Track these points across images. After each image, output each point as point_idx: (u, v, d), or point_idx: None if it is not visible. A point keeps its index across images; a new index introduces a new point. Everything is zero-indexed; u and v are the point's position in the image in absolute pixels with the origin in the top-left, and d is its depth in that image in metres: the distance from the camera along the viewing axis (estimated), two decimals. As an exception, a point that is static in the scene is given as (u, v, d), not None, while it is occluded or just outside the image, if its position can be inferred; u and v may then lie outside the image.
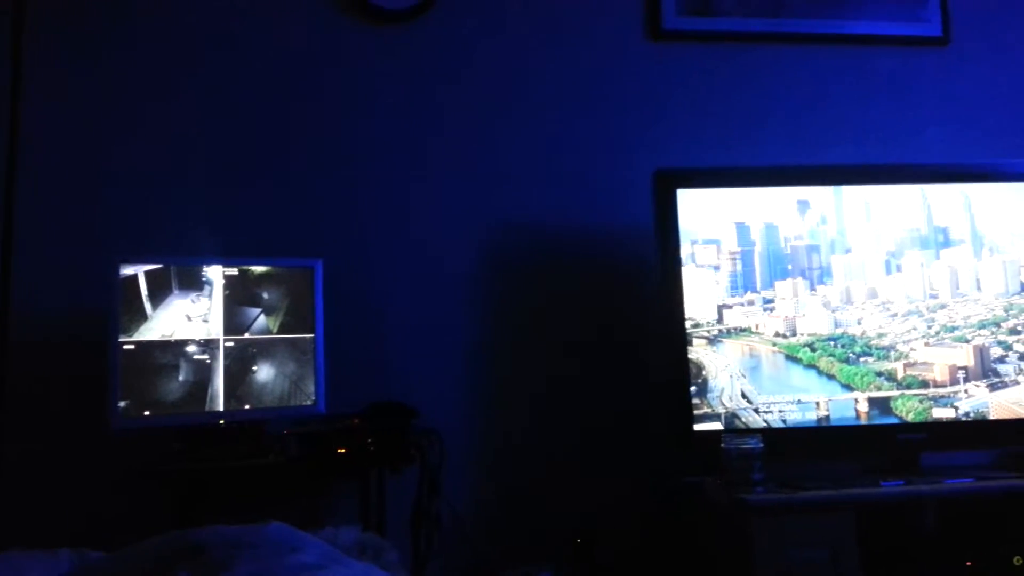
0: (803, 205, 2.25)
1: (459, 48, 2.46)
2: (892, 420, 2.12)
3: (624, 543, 2.22)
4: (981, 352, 2.19)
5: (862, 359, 2.16)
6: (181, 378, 1.96)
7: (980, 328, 2.20)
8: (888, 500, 1.89)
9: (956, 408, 2.14)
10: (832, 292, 2.21)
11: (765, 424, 2.10)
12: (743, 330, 2.18)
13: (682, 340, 2.13)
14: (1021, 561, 1.89)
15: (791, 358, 2.17)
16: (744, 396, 2.13)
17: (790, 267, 2.22)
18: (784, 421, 2.11)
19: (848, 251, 2.24)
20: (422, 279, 2.35)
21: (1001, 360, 2.19)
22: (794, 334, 2.18)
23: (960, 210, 2.26)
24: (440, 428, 2.06)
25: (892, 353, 2.17)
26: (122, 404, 1.88)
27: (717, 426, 2.09)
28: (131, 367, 1.91)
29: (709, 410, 2.11)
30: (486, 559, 2.13)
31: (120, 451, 1.98)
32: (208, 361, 1.98)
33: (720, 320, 2.18)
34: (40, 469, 2.09)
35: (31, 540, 1.51)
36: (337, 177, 2.36)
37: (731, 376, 2.14)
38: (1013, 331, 2.20)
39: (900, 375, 2.16)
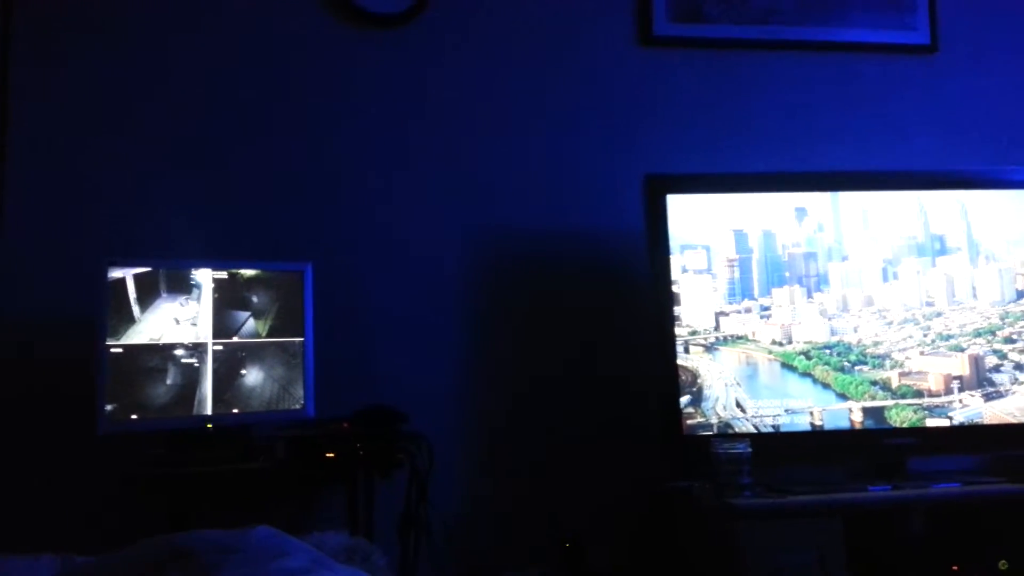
0: (800, 212, 2.26)
1: (449, 52, 2.46)
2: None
3: (614, 547, 2.22)
4: (976, 361, 2.19)
5: (857, 368, 2.17)
6: (169, 382, 1.95)
7: (976, 336, 2.21)
8: (875, 505, 1.90)
9: (951, 419, 2.15)
10: (829, 300, 2.22)
11: (755, 430, 2.11)
12: (739, 338, 2.18)
13: (672, 344, 2.13)
14: (1007, 566, 1.90)
15: (787, 366, 2.17)
16: (739, 405, 2.13)
17: (787, 274, 2.23)
18: (776, 428, 2.12)
19: (845, 259, 2.25)
20: (412, 283, 2.35)
21: (996, 369, 2.19)
22: (790, 342, 2.18)
23: (956, 218, 2.27)
24: (429, 433, 2.06)
25: (887, 362, 2.18)
26: (109, 408, 1.87)
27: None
28: (119, 370, 1.89)
29: (703, 419, 2.11)
30: (475, 564, 2.13)
31: (107, 455, 1.96)
32: (196, 365, 1.98)
33: (717, 327, 2.19)
34: (26, 473, 2.08)
35: (15, 544, 1.50)
36: (326, 181, 2.36)
37: (726, 385, 2.14)
38: (1008, 340, 2.21)
39: (895, 384, 2.17)
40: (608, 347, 2.38)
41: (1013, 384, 2.19)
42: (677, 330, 2.15)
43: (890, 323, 2.21)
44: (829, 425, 2.13)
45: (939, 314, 2.22)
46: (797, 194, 2.26)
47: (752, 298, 2.21)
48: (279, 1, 2.40)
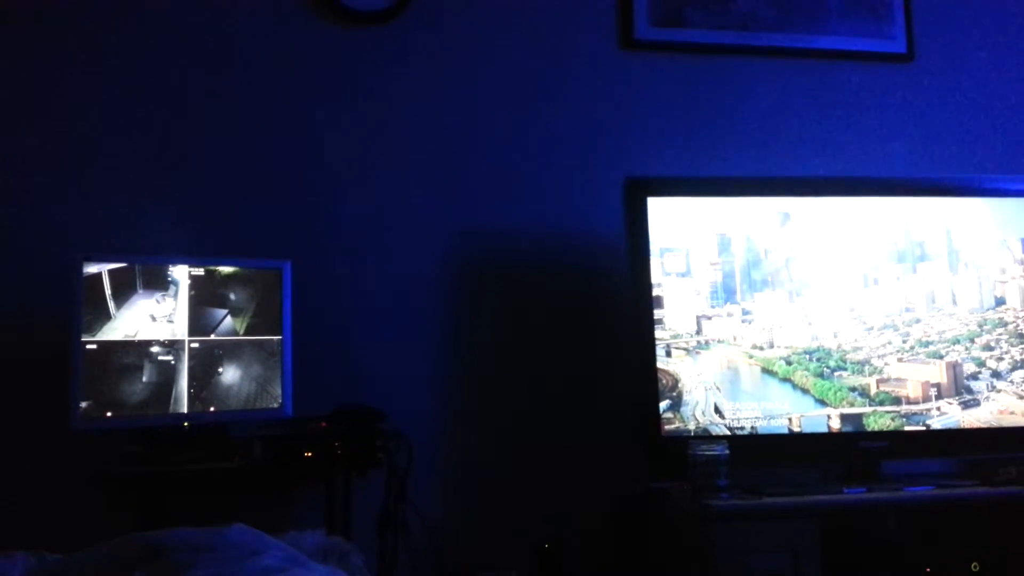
0: (783, 217, 2.27)
1: (431, 52, 2.46)
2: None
3: (591, 549, 2.22)
4: (954, 368, 2.21)
5: (836, 374, 2.18)
6: (145, 379, 1.93)
7: (954, 343, 2.23)
8: (850, 507, 1.91)
9: (928, 427, 2.17)
10: (809, 305, 2.22)
11: (730, 426, 2.12)
12: (720, 342, 2.19)
13: (651, 347, 2.14)
14: (979, 568, 1.93)
15: (767, 371, 2.18)
16: (717, 411, 2.14)
17: (768, 279, 2.24)
18: (754, 431, 2.13)
19: (825, 264, 2.25)
20: (391, 282, 2.34)
21: (974, 377, 2.21)
22: (771, 347, 2.19)
23: (935, 225, 2.29)
24: (408, 432, 2.05)
25: (867, 367, 2.20)
26: (83, 405, 1.85)
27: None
28: (93, 367, 1.87)
29: (681, 425, 2.12)
30: (453, 564, 2.12)
31: (82, 453, 1.94)
32: (172, 362, 1.96)
33: (698, 331, 2.19)
34: (-2, 471, 2.05)
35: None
36: (306, 178, 2.35)
37: (706, 389, 2.15)
38: (987, 347, 2.23)
39: (873, 391, 2.19)
40: (588, 349, 2.39)
41: (990, 391, 2.21)
42: (657, 333, 2.16)
43: (870, 329, 2.23)
44: (807, 430, 2.14)
45: (918, 320, 2.24)
46: (778, 199, 2.27)
47: (733, 302, 2.22)
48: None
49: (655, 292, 2.18)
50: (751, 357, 2.18)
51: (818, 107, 2.65)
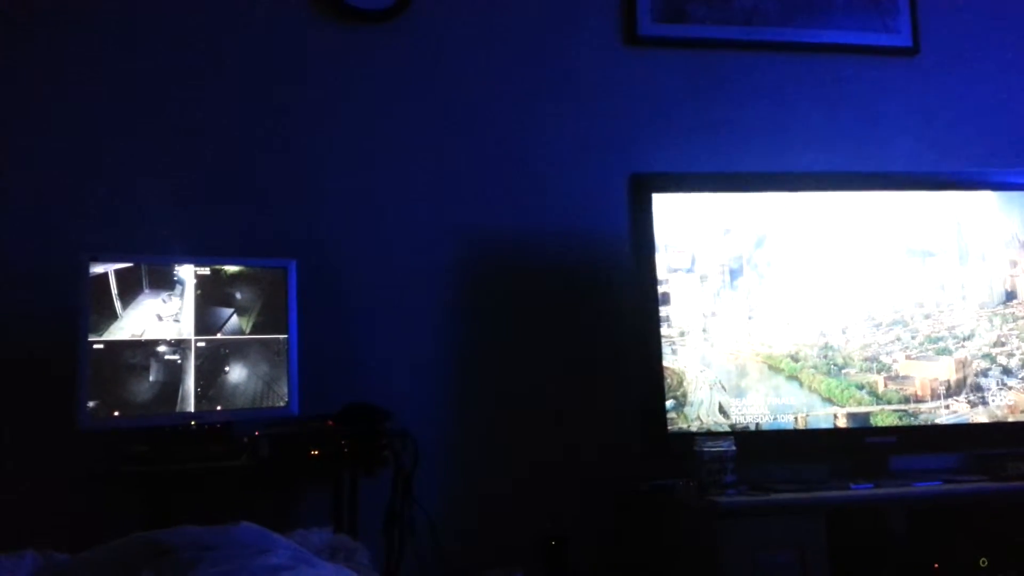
0: (788, 213, 2.25)
1: (434, 50, 2.46)
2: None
3: (597, 546, 2.22)
4: (963, 365, 2.20)
5: (844, 371, 2.17)
6: (151, 378, 1.94)
7: (964, 340, 2.21)
8: (857, 503, 1.91)
9: (935, 423, 2.16)
10: (816, 302, 2.21)
11: (734, 427, 2.11)
12: (727, 338, 2.17)
13: (657, 344, 2.14)
14: (987, 563, 1.92)
15: (773, 368, 2.17)
16: (722, 410, 2.13)
17: (775, 276, 2.22)
18: (759, 426, 2.13)
19: (832, 260, 2.24)
20: (397, 281, 2.34)
21: (984, 374, 2.20)
22: (778, 344, 2.18)
23: (943, 219, 2.27)
24: (413, 430, 2.05)
25: (875, 365, 2.18)
26: (91, 405, 1.86)
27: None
28: (101, 367, 1.88)
29: (686, 422, 2.11)
30: (459, 561, 2.13)
31: (89, 452, 1.94)
32: (179, 361, 1.96)
33: (704, 328, 2.18)
34: (7, 470, 2.05)
35: (-3, 542, 1.49)
36: (311, 177, 2.35)
37: (711, 388, 2.14)
38: (997, 343, 2.22)
39: (881, 389, 2.17)
40: (593, 347, 2.38)
41: (1000, 388, 2.19)
42: (663, 330, 2.15)
43: (878, 325, 2.21)
44: (814, 427, 2.13)
45: (927, 316, 2.23)
46: (786, 194, 2.26)
47: (739, 299, 2.21)
48: (265, -2, 2.39)
49: (661, 289, 2.17)
50: (757, 354, 2.17)
51: (823, 102, 2.64)
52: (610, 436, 2.31)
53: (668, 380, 2.13)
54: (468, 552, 2.18)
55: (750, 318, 2.20)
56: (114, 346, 1.90)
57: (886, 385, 2.18)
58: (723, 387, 2.15)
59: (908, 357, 2.20)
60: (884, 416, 2.15)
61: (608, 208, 2.39)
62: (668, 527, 2.04)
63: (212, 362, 1.99)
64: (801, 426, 2.13)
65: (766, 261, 2.23)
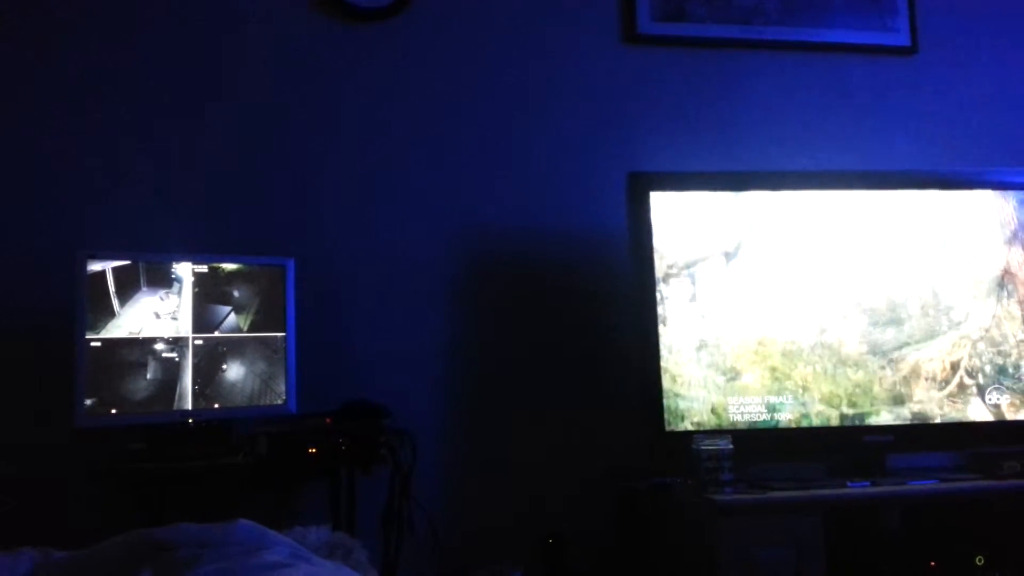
0: (790, 211, 2.25)
1: (434, 49, 2.46)
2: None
3: (594, 543, 2.23)
4: (960, 364, 2.19)
5: (841, 369, 2.17)
6: (149, 376, 1.93)
7: (961, 339, 2.21)
8: (854, 501, 1.91)
9: (932, 421, 2.16)
10: (813, 300, 2.21)
11: (733, 425, 2.12)
12: (725, 336, 2.17)
13: (655, 343, 2.13)
14: (983, 561, 1.93)
15: (771, 367, 2.16)
16: (719, 409, 2.12)
17: (775, 274, 2.22)
18: (755, 426, 2.13)
19: (829, 258, 2.23)
20: (394, 279, 2.34)
21: (980, 372, 2.20)
22: (776, 341, 2.17)
23: (940, 218, 2.27)
24: (411, 428, 2.05)
25: (871, 363, 2.18)
26: (88, 402, 1.86)
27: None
28: (98, 365, 1.88)
29: (682, 424, 2.10)
30: (457, 559, 2.13)
31: (86, 450, 1.94)
32: (177, 359, 1.96)
33: (702, 327, 2.17)
34: (3, 468, 2.05)
35: (-7, 540, 1.49)
36: (309, 175, 2.35)
37: (708, 386, 2.14)
38: (993, 342, 2.21)
39: (876, 389, 2.17)
40: (592, 345, 2.39)
41: (996, 387, 2.19)
42: (661, 328, 2.15)
43: (875, 323, 2.22)
44: (811, 425, 2.13)
45: (925, 314, 2.23)
46: (784, 193, 2.26)
47: (738, 297, 2.20)
48: (263, -5, 2.39)
49: (659, 288, 2.17)
50: (755, 352, 2.17)
51: (821, 101, 2.64)
52: (608, 434, 2.32)
53: (666, 376, 2.13)
54: (466, 550, 2.19)
55: (748, 316, 2.19)
56: (111, 344, 1.90)
57: (883, 383, 2.18)
58: (720, 385, 2.15)
59: (904, 355, 2.19)
60: (881, 413, 2.15)
61: (606, 206, 2.40)
62: (666, 525, 2.04)
63: (210, 360, 1.99)
64: (798, 424, 2.13)
65: (764, 259, 2.23)
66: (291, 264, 2.09)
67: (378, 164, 2.39)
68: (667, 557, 2.05)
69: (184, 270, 2.00)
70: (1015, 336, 2.23)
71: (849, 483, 1.95)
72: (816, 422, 2.14)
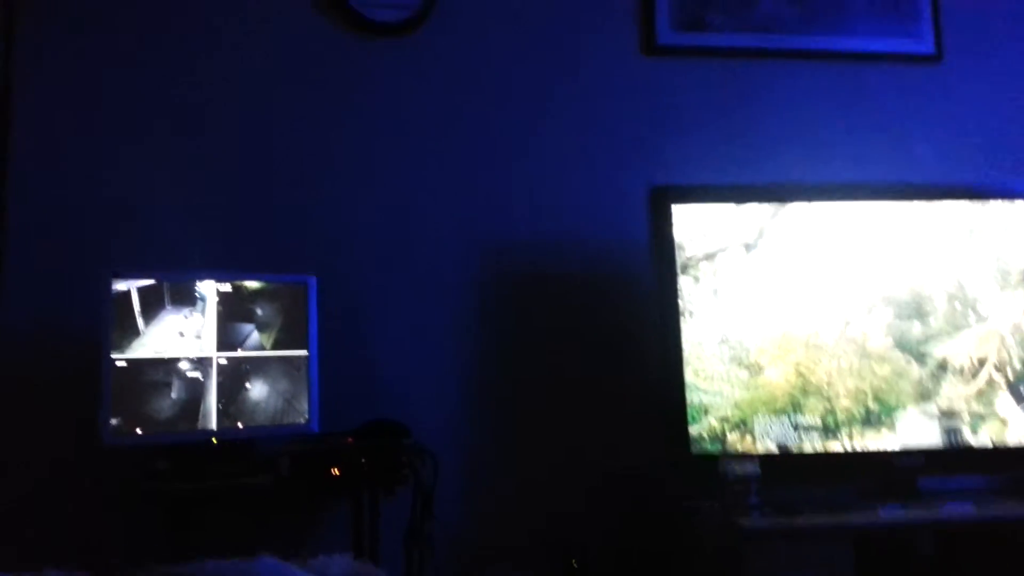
0: (812, 223, 2.23)
1: (452, 62, 2.44)
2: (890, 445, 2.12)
3: (619, 565, 2.21)
4: (996, 380, 2.17)
5: (865, 364, 2.14)
6: (174, 396, 1.93)
7: (987, 333, 2.17)
8: (886, 528, 1.89)
9: (967, 442, 2.13)
10: (841, 312, 2.18)
11: (758, 448, 2.09)
12: (751, 349, 2.15)
13: (679, 359, 2.12)
14: (1017, 586, 1.90)
15: (799, 383, 2.14)
16: (743, 423, 2.10)
17: (799, 287, 2.19)
18: (784, 447, 2.10)
19: (857, 270, 2.21)
20: (416, 296, 2.33)
21: (1015, 389, 2.17)
22: (802, 356, 2.15)
23: (968, 229, 2.24)
24: (433, 447, 2.04)
25: (898, 357, 2.15)
26: (114, 422, 1.86)
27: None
28: (123, 384, 1.88)
29: (707, 445, 2.09)
30: (479, 579, 2.12)
31: (112, 469, 1.95)
32: (201, 379, 1.96)
33: (726, 341, 2.16)
34: (30, 486, 2.06)
35: (20, 558, 1.49)
36: (330, 192, 2.34)
37: (730, 384, 2.11)
38: (1022, 336, 2.18)
39: (902, 384, 2.14)
40: (615, 362, 2.37)
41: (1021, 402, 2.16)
42: (684, 345, 2.13)
43: (901, 316, 2.17)
44: (841, 448, 2.11)
45: (957, 328, 2.19)
46: (807, 204, 2.24)
47: (762, 311, 2.18)
48: (282, 10, 2.37)
49: (681, 302, 2.15)
50: (779, 347, 2.14)
51: (844, 110, 2.61)
52: (632, 453, 2.29)
53: (691, 393, 2.10)
54: (488, 570, 2.17)
55: (769, 309, 2.16)
56: (137, 364, 1.90)
57: (907, 379, 2.14)
58: (743, 380, 2.12)
59: (930, 349, 2.16)
60: (912, 433, 2.12)
61: (628, 219, 2.39)
62: (691, 548, 2.03)
63: (233, 379, 1.99)
64: (829, 446, 2.10)
65: (786, 250, 2.19)
66: (313, 281, 2.09)
67: (398, 180, 2.38)
68: (693, 580, 2.03)
69: (208, 288, 2.00)
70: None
71: (880, 508, 1.92)
72: (842, 418, 2.11)
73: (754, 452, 2.07)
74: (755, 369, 2.14)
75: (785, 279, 2.20)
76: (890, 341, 2.17)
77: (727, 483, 1.87)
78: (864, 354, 2.16)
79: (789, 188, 2.29)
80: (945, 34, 2.66)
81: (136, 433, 1.88)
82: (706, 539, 1.95)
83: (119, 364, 1.88)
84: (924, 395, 2.15)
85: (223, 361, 1.98)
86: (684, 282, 2.17)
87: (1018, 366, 2.17)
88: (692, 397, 2.11)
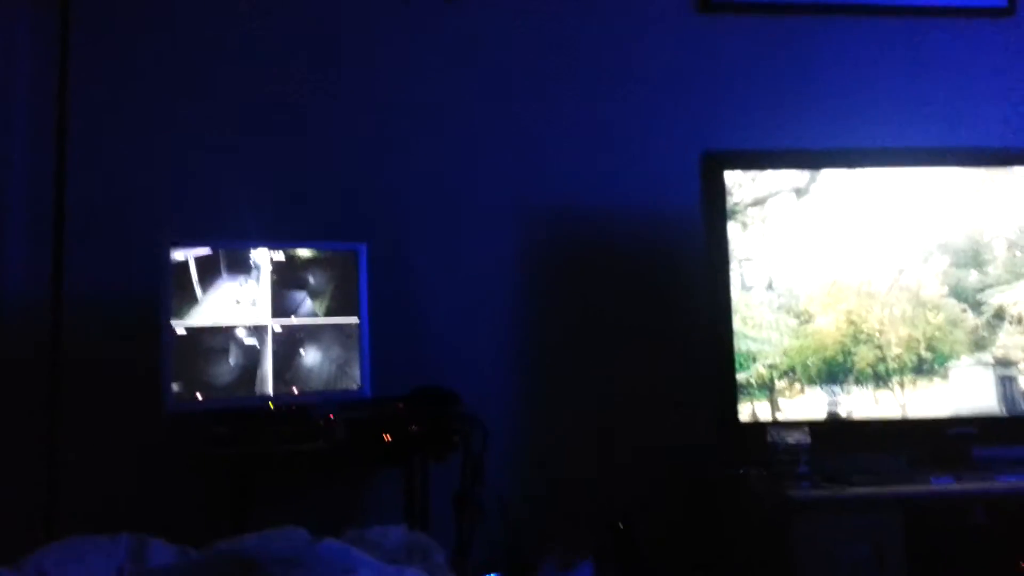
0: (868, 187, 2.17)
1: (500, 24, 2.41)
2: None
3: (666, 531, 2.22)
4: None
5: (927, 352, 2.11)
6: (232, 362, 1.99)
7: None
8: (938, 498, 1.86)
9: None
10: (900, 281, 2.13)
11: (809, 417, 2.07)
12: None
13: (729, 327, 2.10)
14: (1074, 559, 1.86)
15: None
16: (790, 372, 2.06)
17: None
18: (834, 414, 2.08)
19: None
20: (466, 262, 2.35)
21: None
22: (854, 324, 2.12)
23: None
24: (483, 414, 2.07)
25: (953, 305, 2.11)
26: (175, 388, 1.92)
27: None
28: (183, 351, 1.94)
29: (756, 413, 2.08)
30: (528, 544, 2.15)
31: (174, 434, 2.02)
32: (257, 346, 2.01)
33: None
34: (96, 453, 2.15)
35: (89, 521, 1.57)
36: (380, 160, 2.35)
37: (779, 331, 2.08)
38: None
39: (957, 332, 2.09)
40: (663, 329, 2.36)
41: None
42: (733, 294, 2.10)
43: (957, 265, 2.13)
44: (892, 415, 2.08)
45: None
46: (864, 170, 2.18)
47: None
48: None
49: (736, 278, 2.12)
50: (828, 295, 2.11)
51: (907, 69, 2.51)
52: (681, 421, 2.29)
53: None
54: (537, 535, 2.20)
55: (820, 256, 2.13)
56: (196, 331, 1.96)
57: (962, 327, 2.09)
58: (793, 328, 2.09)
59: (986, 297, 2.11)
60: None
61: (679, 183, 2.35)
62: (739, 516, 2.03)
63: (288, 345, 2.04)
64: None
65: (837, 196, 2.15)
66: (364, 249, 2.11)
67: (449, 145, 2.38)
68: (741, 550, 2.03)
69: (262, 257, 2.04)
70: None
71: (932, 478, 1.89)
72: (893, 367, 2.08)
73: (800, 418, 2.05)
74: (805, 316, 2.11)
75: (837, 225, 2.15)
76: (945, 289, 2.12)
77: (776, 452, 1.86)
78: (918, 303, 2.12)
79: (844, 154, 2.23)
80: (1019, -14, 2.53)
81: (196, 399, 1.95)
82: (756, 508, 1.95)
83: (179, 332, 1.95)
84: (979, 344, 2.11)
85: (278, 328, 2.03)
86: (732, 228, 2.14)
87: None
88: (740, 344, 2.10)
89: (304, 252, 2.08)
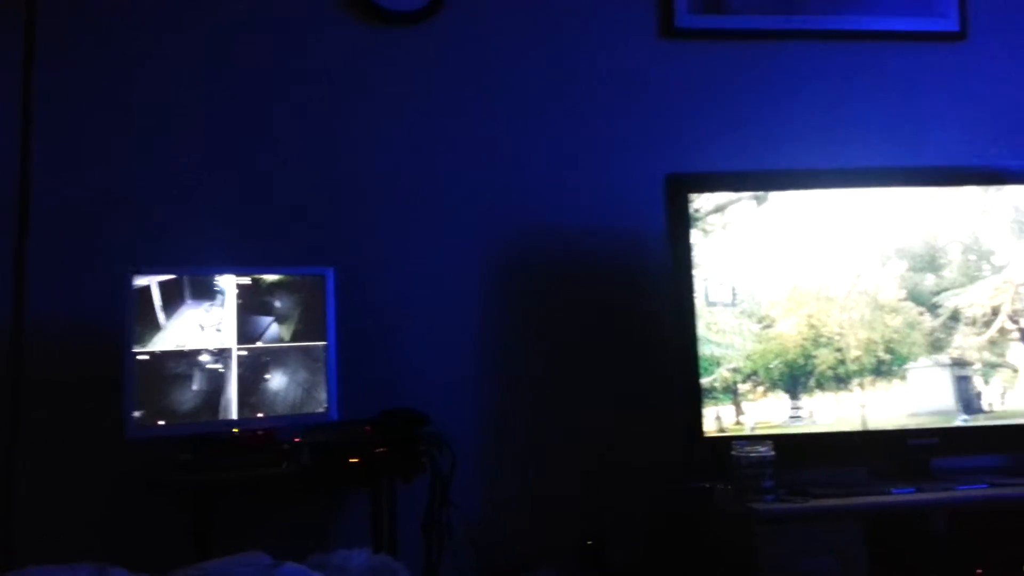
0: (834, 209, 2.21)
1: (467, 50, 2.45)
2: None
3: (633, 547, 2.22)
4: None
5: (885, 367, 2.13)
6: (195, 387, 1.98)
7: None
8: (899, 508, 1.88)
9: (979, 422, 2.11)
10: (862, 298, 2.17)
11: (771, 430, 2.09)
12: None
13: (693, 345, 2.12)
14: (1033, 568, 1.88)
15: (812, 364, 2.14)
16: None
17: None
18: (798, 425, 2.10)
19: (878, 255, 2.19)
20: (432, 285, 2.36)
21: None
22: (817, 341, 2.15)
23: (995, 214, 2.20)
24: (450, 434, 2.07)
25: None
26: (137, 414, 1.90)
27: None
28: (145, 377, 1.93)
29: (721, 428, 2.10)
30: (496, 564, 2.15)
31: (135, 460, 2.00)
32: (221, 370, 2.00)
33: (741, 328, 2.15)
34: (56, 478, 2.12)
35: (47, 549, 1.54)
36: (346, 183, 2.36)
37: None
38: None
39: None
40: (630, 346, 2.37)
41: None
42: (699, 330, 2.13)
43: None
44: (854, 428, 2.10)
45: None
46: (828, 191, 2.22)
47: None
48: (298, 1, 2.40)
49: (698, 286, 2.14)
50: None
51: (867, 91, 2.57)
52: (647, 438, 2.30)
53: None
54: (505, 554, 2.20)
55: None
56: (158, 357, 1.95)
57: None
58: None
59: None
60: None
61: (644, 206, 2.37)
62: (706, 530, 2.03)
63: (253, 370, 2.03)
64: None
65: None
66: (331, 273, 2.12)
67: (413, 169, 2.39)
68: (706, 562, 2.04)
69: (227, 282, 2.04)
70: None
71: (893, 489, 1.91)
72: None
73: (765, 430, 2.07)
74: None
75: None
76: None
77: (740, 466, 1.87)
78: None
79: (807, 175, 2.26)
80: (970, 11, 2.61)
81: (159, 425, 1.93)
82: (721, 521, 1.95)
83: (141, 358, 1.93)
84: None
85: (243, 353, 2.02)
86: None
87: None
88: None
89: (270, 277, 2.08)
